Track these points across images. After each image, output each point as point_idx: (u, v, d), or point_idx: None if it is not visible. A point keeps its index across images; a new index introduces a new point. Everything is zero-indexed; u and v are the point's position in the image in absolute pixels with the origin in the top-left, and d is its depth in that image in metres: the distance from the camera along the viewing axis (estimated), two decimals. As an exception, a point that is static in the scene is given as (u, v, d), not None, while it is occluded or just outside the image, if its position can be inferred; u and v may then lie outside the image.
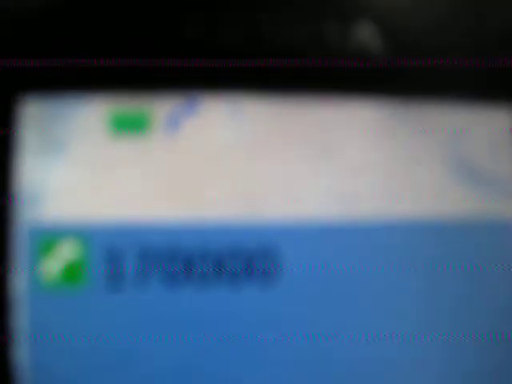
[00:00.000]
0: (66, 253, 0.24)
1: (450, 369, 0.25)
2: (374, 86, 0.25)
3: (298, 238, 0.25)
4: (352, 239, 0.25)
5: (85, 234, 0.24)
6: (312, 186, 0.25)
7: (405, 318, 0.25)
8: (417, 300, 0.25)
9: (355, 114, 0.25)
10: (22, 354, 0.24)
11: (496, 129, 0.26)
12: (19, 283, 0.24)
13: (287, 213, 0.25)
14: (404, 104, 0.26)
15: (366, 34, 0.25)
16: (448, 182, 0.25)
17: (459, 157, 0.26)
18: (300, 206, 0.25)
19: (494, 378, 0.25)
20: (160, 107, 0.25)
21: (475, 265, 0.25)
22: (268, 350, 0.24)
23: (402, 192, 0.25)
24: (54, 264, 0.24)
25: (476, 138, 0.26)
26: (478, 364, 0.25)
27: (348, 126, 0.25)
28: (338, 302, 0.25)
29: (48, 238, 0.24)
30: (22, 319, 0.24)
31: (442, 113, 0.26)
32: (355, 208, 0.25)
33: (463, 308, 0.25)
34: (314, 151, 0.25)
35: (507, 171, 0.26)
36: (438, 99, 0.26)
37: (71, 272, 0.24)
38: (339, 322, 0.25)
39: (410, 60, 0.25)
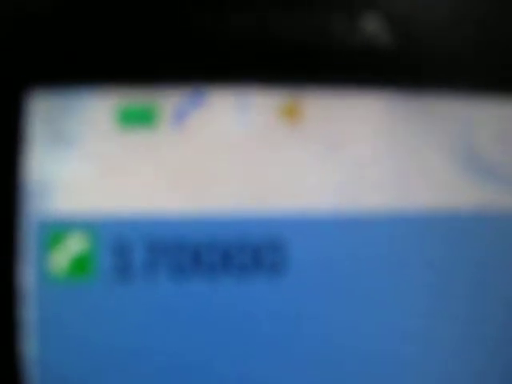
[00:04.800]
0: (74, 245, 0.24)
1: (459, 363, 0.25)
2: (383, 79, 0.25)
3: (306, 230, 0.25)
4: (359, 231, 0.25)
5: (93, 227, 0.24)
6: (319, 179, 0.25)
7: (413, 311, 0.25)
8: (424, 293, 0.25)
9: (363, 107, 0.25)
10: (31, 346, 0.24)
11: (506, 121, 0.26)
12: (28, 276, 0.24)
13: (295, 205, 0.25)
14: (412, 96, 0.25)
15: (374, 27, 0.25)
16: (457, 174, 0.25)
17: (469, 149, 0.26)
18: (307, 198, 0.25)
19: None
20: (167, 100, 0.25)
21: (484, 259, 0.25)
22: (276, 342, 0.24)
23: (409, 184, 0.25)
24: (63, 257, 0.24)
25: (486, 130, 0.26)
26: (490, 358, 0.25)
27: (356, 119, 0.25)
28: (347, 294, 0.25)
29: (56, 231, 0.24)
30: (30, 312, 0.24)
31: (451, 105, 0.26)
32: (362, 200, 0.25)
33: (471, 303, 0.25)
34: (321, 144, 0.25)
35: (515, 163, 0.26)
36: (448, 91, 0.26)
37: (80, 265, 0.24)
38: (348, 314, 0.25)
39: (419, 52, 0.25)
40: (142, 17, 0.25)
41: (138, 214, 0.24)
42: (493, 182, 0.26)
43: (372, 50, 0.25)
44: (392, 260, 0.25)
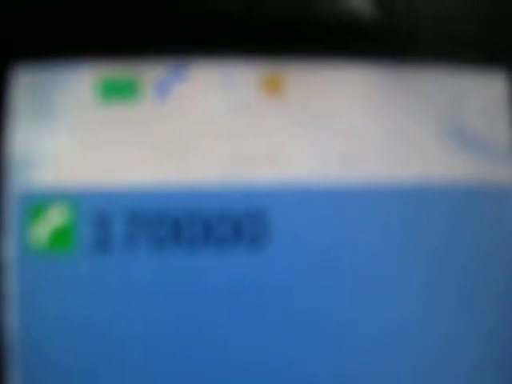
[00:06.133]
0: (55, 218, 0.24)
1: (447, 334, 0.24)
2: (366, 50, 0.25)
3: (287, 202, 0.24)
4: (342, 204, 0.24)
5: (74, 199, 0.24)
6: (301, 151, 0.25)
7: (393, 282, 0.24)
8: (410, 264, 0.24)
9: (346, 78, 0.25)
10: (12, 318, 0.24)
11: (491, 94, 0.25)
12: (9, 248, 0.24)
13: (275, 177, 0.24)
14: (398, 69, 0.25)
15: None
16: (442, 146, 0.25)
17: (454, 121, 0.25)
18: (288, 170, 0.24)
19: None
20: (149, 73, 0.25)
21: (470, 230, 0.25)
22: (256, 314, 0.24)
23: (394, 156, 0.25)
24: (44, 229, 0.24)
25: (471, 102, 0.25)
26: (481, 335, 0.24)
27: (339, 90, 0.25)
28: (327, 265, 0.24)
29: (37, 203, 0.24)
30: (11, 284, 0.24)
31: (436, 78, 0.25)
32: (346, 172, 0.25)
33: (461, 276, 0.25)
34: (303, 115, 0.25)
35: (502, 136, 0.25)
36: (432, 64, 0.25)
37: (60, 237, 0.24)
38: (328, 286, 0.24)
39: (404, 23, 0.25)
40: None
41: (118, 186, 0.24)
42: (479, 155, 0.25)
43: (355, 21, 0.25)
44: (375, 231, 0.24)
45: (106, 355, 0.24)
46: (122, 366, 0.24)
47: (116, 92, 0.25)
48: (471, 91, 0.25)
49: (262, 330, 0.24)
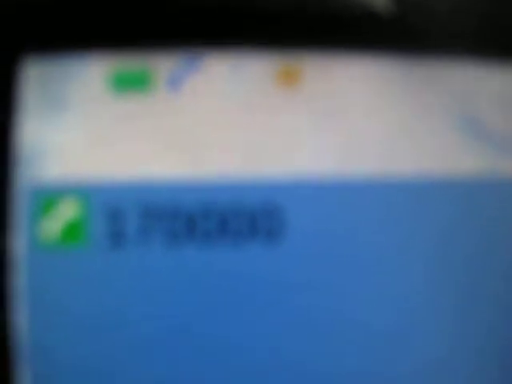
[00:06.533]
0: (66, 212, 0.24)
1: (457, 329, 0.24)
2: (381, 43, 0.25)
3: (302, 196, 0.24)
4: (357, 197, 0.24)
5: (86, 193, 0.24)
6: (315, 144, 0.24)
7: (411, 277, 0.24)
8: (423, 259, 0.24)
9: (361, 71, 0.25)
10: (22, 314, 0.23)
11: (505, 87, 0.25)
12: (20, 243, 0.24)
13: (291, 171, 0.24)
14: (412, 61, 0.25)
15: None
16: (455, 140, 0.25)
17: (467, 115, 0.25)
18: (303, 163, 0.24)
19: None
20: (162, 65, 0.24)
21: (482, 224, 0.24)
22: (271, 309, 0.24)
23: (407, 150, 0.25)
24: (55, 223, 0.24)
25: (485, 96, 0.25)
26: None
27: (354, 83, 0.25)
28: (343, 259, 0.24)
29: (49, 197, 0.24)
30: (21, 279, 0.23)
31: (450, 71, 0.25)
32: (360, 165, 0.24)
33: (469, 269, 0.24)
34: (317, 108, 0.24)
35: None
36: (447, 57, 0.25)
37: (72, 231, 0.24)
38: (344, 280, 0.24)
39: (419, 16, 0.25)
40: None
41: (131, 179, 0.24)
42: (492, 148, 0.25)
43: (371, 13, 0.25)
44: (390, 225, 0.24)
45: (119, 352, 0.23)
46: (136, 362, 0.23)
47: (128, 84, 0.24)
48: (485, 84, 0.25)
49: (277, 324, 0.24)
